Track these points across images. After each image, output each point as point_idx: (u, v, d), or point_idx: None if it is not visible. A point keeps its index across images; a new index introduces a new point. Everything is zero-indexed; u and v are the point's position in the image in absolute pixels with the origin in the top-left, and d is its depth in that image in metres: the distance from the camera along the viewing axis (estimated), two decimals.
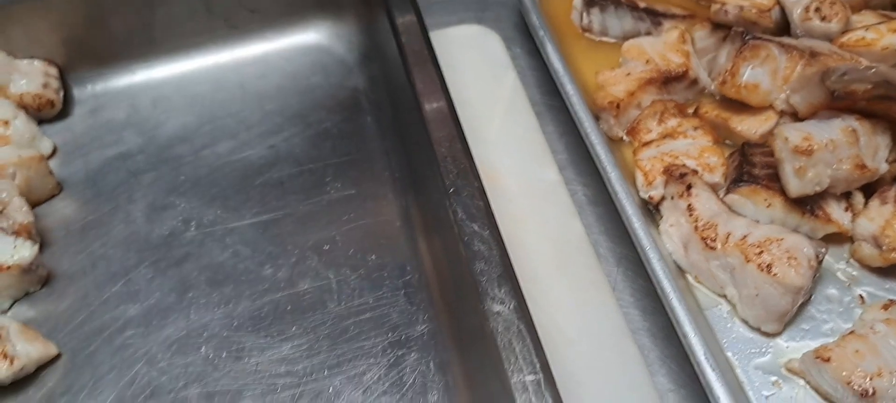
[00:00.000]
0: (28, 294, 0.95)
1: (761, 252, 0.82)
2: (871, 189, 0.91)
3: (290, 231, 0.98)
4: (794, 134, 0.86)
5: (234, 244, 0.97)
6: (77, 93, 1.19)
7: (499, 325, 0.66)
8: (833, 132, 0.87)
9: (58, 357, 0.88)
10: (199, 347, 0.87)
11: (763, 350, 0.82)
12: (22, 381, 0.85)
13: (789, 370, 0.80)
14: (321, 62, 1.19)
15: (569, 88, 1.01)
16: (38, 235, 1.00)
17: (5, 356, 0.84)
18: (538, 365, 0.63)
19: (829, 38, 1.02)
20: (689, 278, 0.89)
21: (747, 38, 0.98)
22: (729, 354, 0.82)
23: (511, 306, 0.67)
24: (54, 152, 1.13)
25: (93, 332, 0.90)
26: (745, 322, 0.84)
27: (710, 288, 0.87)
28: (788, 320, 0.84)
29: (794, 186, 0.86)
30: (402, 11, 0.97)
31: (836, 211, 0.89)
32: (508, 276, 0.70)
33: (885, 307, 0.80)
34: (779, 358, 0.81)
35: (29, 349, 0.85)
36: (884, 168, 0.90)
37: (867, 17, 1.07)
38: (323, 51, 1.21)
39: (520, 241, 0.93)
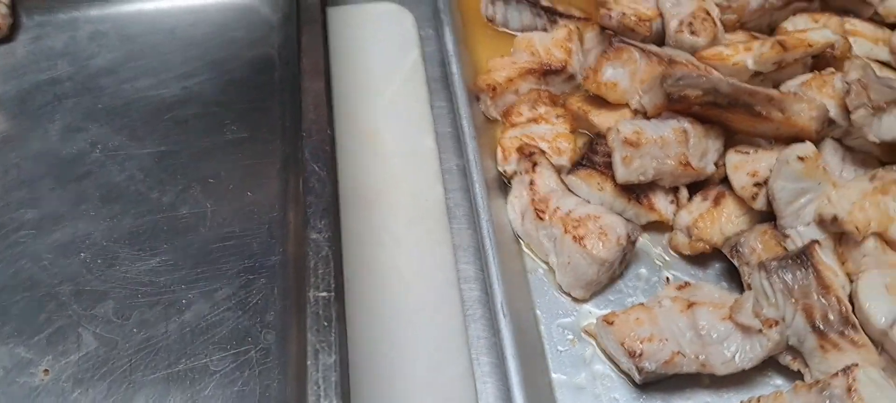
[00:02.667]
0: None
1: (578, 225, 0.92)
2: (700, 187, 1.01)
3: (183, 163, 1.08)
4: (626, 127, 0.96)
5: (132, 169, 1.08)
6: (25, 21, 1.31)
7: (311, 250, 0.77)
8: (665, 131, 0.97)
9: None
10: (80, 252, 0.98)
11: (569, 312, 0.92)
12: None
13: (585, 331, 0.90)
14: (247, 18, 1.29)
15: (454, 68, 1.11)
16: None
17: None
18: (333, 286, 0.74)
19: (696, 51, 1.12)
20: (523, 245, 0.99)
21: (614, 40, 1.08)
22: (538, 311, 0.92)
23: (326, 236, 0.78)
24: None
25: None
26: (559, 286, 0.94)
27: (538, 254, 0.97)
28: (597, 290, 0.94)
29: (621, 173, 0.96)
30: None
31: (662, 202, 0.99)
32: (332, 212, 0.80)
33: (680, 287, 0.90)
34: (581, 321, 0.92)
35: None
36: (711, 169, 0.99)
37: (738, 37, 1.16)
38: (251, 9, 1.31)
39: (384, 195, 1.04)
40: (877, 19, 1.17)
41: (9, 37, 1.29)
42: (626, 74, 1.06)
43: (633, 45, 1.08)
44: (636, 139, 0.95)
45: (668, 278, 0.95)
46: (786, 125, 0.95)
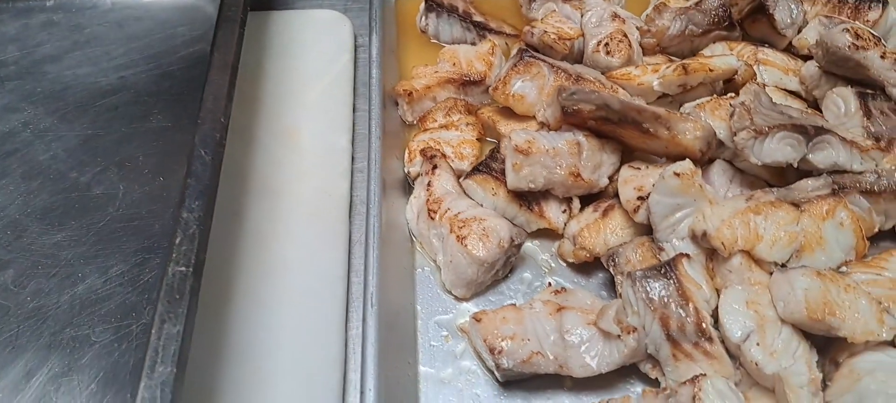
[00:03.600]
0: None
1: (463, 226, 0.95)
2: (596, 199, 1.03)
3: (105, 146, 1.13)
4: (519, 136, 0.99)
5: (56, 149, 1.12)
6: None
7: (180, 227, 0.80)
8: (559, 142, 1.00)
9: None
10: None
11: (448, 309, 0.95)
12: None
13: (460, 329, 0.93)
14: (190, 16, 1.34)
15: (374, 73, 1.15)
16: None
17: None
18: (193, 263, 0.77)
19: (609, 71, 1.15)
20: (416, 243, 1.02)
21: (525, 55, 1.11)
22: (418, 306, 0.95)
23: (196, 216, 0.81)
24: None
25: None
26: (443, 284, 0.97)
27: (428, 253, 1.00)
28: (479, 290, 0.97)
29: (511, 179, 0.99)
30: None
31: (553, 211, 1.01)
32: (207, 195, 0.84)
33: (556, 292, 0.93)
34: (459, 319, 0.94)
35: None
36: (604, 182, 1.02)
37: (655, 60, 1.19)
38: (196, 8, 1.36)
39: (291, 189, 1.07)
40: (791, 50, 1.19)
41: None
42: (534, 88, 1.10)
43: (543, 59, 1.11)
44: (527, 148, 0.97)
45: (549, 283, 0.97)
46: (672, 143, 0.97)
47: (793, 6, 1.19)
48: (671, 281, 0.85)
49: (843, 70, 1.08)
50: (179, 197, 0.83)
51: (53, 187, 1.07)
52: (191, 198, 0.83)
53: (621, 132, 1.00)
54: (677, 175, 0.90)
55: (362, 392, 0.78)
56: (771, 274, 0.87)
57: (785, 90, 1.13)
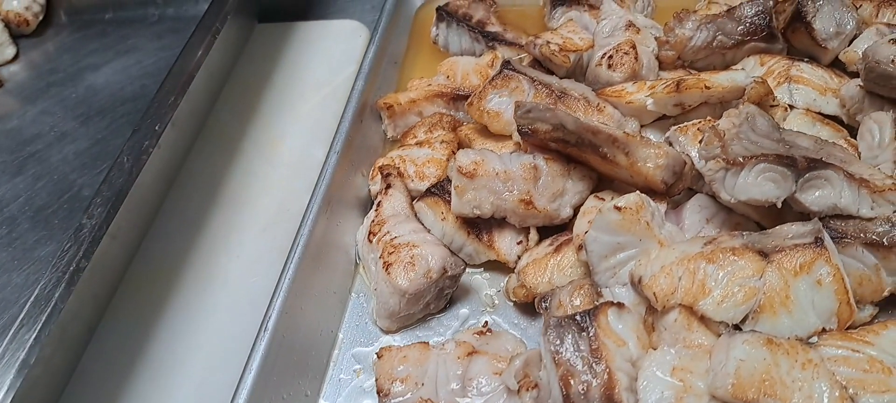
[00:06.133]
0: None
1: (393, 252, 0.87)
2: (558, 232, 0.92)
3: (111, 151, 1.18)
4: (465, 156, 0.90)
5: (68, 152, 1.20)
6: (55, 20, 1.50)
7: (72, 233, 0.81)
8: (512, 165, 0.90)
9: None
10: None
11: (371, 341, 0.88)
12: None
13: (374, 364, 0.85)
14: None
15: (358, 84, 1.11)
16: None
17: None
18: (69, 270, 0.77)
19: (609, 86, 1.02)
20: (361, 266, 0.96)
21: (505, 68, 1.02)
22: (340, 334, 0.89)
23: (94, 223, 0.81)
24: (16, 57, 1.43)
25: None
26: (371, 314, 0.90)
27: (369, 279, 0.94)
28: (407, 323, 0.89)
29: (454, 204, 0.90)
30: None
31: (506, 242, 0.91)
32: (115, 202, 0.84)
33: (480, 333, 0.83)
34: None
35: None
36: (566, 213, 0.90)
37: (675, 74, 1.04)
38: None
39: (256, 200, 1.06)
40: (839, 66, 0.99)
41: (41, 31, 1.48)
42: (511, 104, 0.99)
43: (523, 73, 1.00)
44: (473, 170, 0.88)
45: (486, 322, 0.87)
46: (633, 171, 0.84)
47: (841, 13, 0.98)
48: (586, 334, 0.72)
49: (887, 91, 0.88)
50: (87, 202, 0.83)
51: (54, 188, 1.14)
52: (96, 205, 0.83)
53: (586, 157, 0.88)
54: (619, 209, 0.77)
55: None
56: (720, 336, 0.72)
57: (819, 114, 0.94)
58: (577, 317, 0.73)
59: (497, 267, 0.93)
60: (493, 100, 1.00)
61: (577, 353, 0.71)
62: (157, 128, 0.93)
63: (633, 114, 0.97)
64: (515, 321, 0.88)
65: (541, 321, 0.87)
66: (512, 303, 0.90)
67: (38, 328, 0.71)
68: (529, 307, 0.88)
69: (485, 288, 0.91)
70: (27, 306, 0.74)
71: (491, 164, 0.89)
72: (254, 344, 0.80)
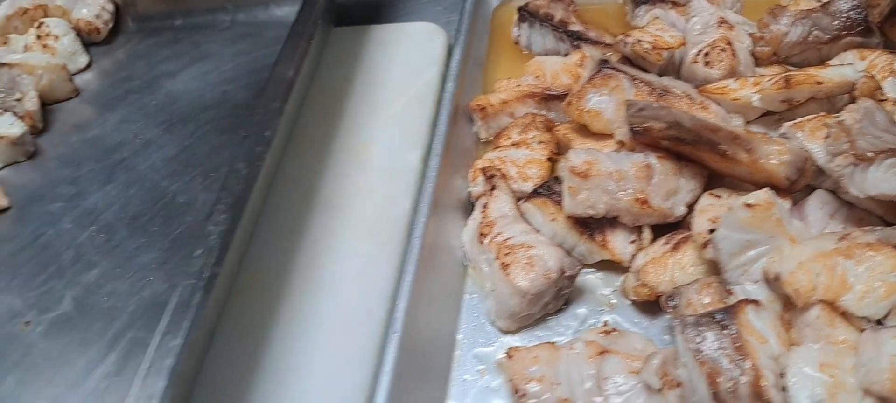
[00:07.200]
0: (17, 162, 1.25)
1: (509, 253, 0.88)
2: (671, 230, 0.92)
3: (198, 157, 1.19)
4: (577, 156, 0.90)
5: (156, 158, 1.21)
6: (126, 26, 1.51)
7: (202, 240, 0.81)
8: (624, 164, 0.90)
9: (7, 209, 1.16)
10: (91, 225, 1.11)
11: (490, 342, 0.88)
12: None
13: (498, 364, 0.86)
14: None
15: (449, 86, 1.11)
16: (42, 122, 1.30)
17: None
18: (206, 276, 0.77)
19: (709, 83, 1.02)
20: (469, 268, 0.96)
21: (605, 67, 1.02)
22: (459, 336, 0.89)
23: (220, 229, 0.82)
24: (89, 66, 1.44)
25: (37, 198, 1.18)
26: (488, 314, 0.91)
27: (479, 280, 0.94)
28: (526, 323, 0.89)
29: (567, 204, 0.90)
30: (311, 1, 1.14)
31: (620, 242, 0.91)
32: (237, 208, 0.84)
33: (606, 332, 0.83)
34: (499, 353, 0.87)
35: None
36: (680, 211, 0.90)
37: (772, 71, 1.04)
38: None
39: (353, 204, 1.06)
40: None
41: (110, 39, 1.50)
42: (612, 103, 1.00)
43: (623, 72, 1.01)
44: (585, 170, 0.89)
45: (606, 322, 0.88)
46: (754, 169, 0.84)
47: None
48: (728, 332, 0.72)
49: None
50: (209, 209, 0.84)
51: (146, 194, 1.15)
52: (219, 211, 0.84)
53: (700, 155, 0.88)
54: (749, 206, 0.77)
55: None
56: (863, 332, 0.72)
57: None
58: (717, 315, 0.74)
59: (608, 266, 0.93)
60: (592, 100, 1.01)
61: (720, 351, 0.71)
62: (267, 134, 0.93)
63: (738, 110, 0.97)
64: (635, 320, 0.88)
65: (661, 320, 0.88)
66: (628, 302, 0.90)
67: (184, 335, 0.72)
68: (648, 306, 0.88)
69: (600, 287, 0.91)
70: (168, 313, 0.74)
71: (603, 164, 0.90)
72: (385, 347, 0.81)
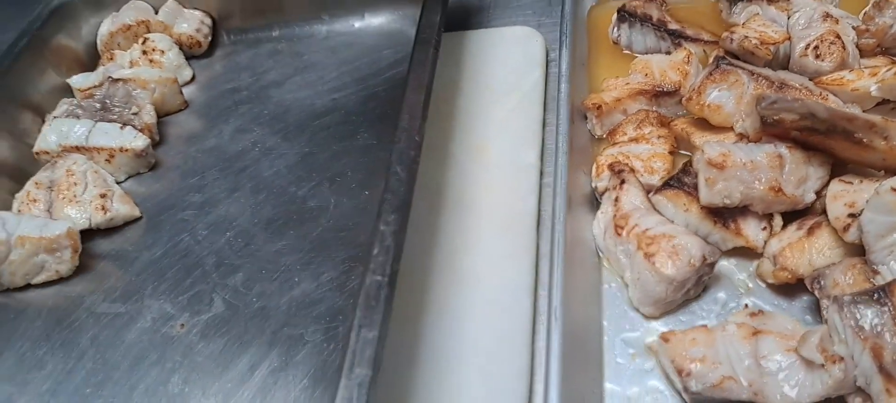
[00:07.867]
0: (139, 174, 1.31)
1: (651, 243, 0.93)
2: (800, 216, 0.97)
3: (320, 162, 1.25)
4: (712, 149, 0.95)
5: (279, 165, 1.26)
6: (222, 39, 1.57)
7: (377, 239, 0.87)
8: (757, 155, 0.95)
9: (139, 218, 1.23)
10: (227, 231, 1.17)
11: (636, 327, 0.94)
12: (113, 229, 1.21)
13: (648, 348, 0.91)
14: (394, 40, 1.45)
15: (562, 88, 1.17)
16: (158, 134, 1.36)
17: (104, 209, 1.20)
18: (388, 272, 0.83)
19: (819, 76, 1.07)
20: (603, 259, 1.02)
21: (722, 62, 1.07)
22: (605, 322, 0.95)
23: (392, 229, 0.87)
24: (193, 79, 1.51)
25: (167, 207, 1.24)
26: (631, 302, 0.96)
27: (615, 270, 0.99)
28: (669, 309, 0.94)
29: (704, 195, 0.95)
30: (432, 9, 1.19)
31: (751, 228, 0.96)
32: (402, 208, 0.90)
33: (752, 314, 0.88)
34: (646, 337, 0.92)
35: (121, 208, 1.21)
36: (809, 198, 0.95)
37: (876, 62, 1.09)
38: (400, 32, 1.46)
39: (480, 202, 1.12)
40: None
41: (209, 52, 1.55)
42: (731, 97, 1.05)
43: (742, 66, 1.06)
44: (722, 161, 0.94)
45: (746, 305, 0.93)
46: (890, 155, 0.89)
47: None
48: (886, 308, 0.77)
49: None
50: (377, 210, 0.90)
51: (276, 200, 1.20)
52: (387, 213, 0.89)
53: (830, 143, 0.93)
54: (895, 190, 0.82)
55: None
56: None
57: None
58: (874, 294, 0.78)
59: (739, 252, 0.98)
60: (712, 94, 1.06)
61: (882, 326, 0.76)
62: (416, 138, 0.98)
63: (855, 101, 1.02)
64: (774, 302, 0.93)
65: (799, 301, 0.93)
66: (764, 286, 0.95)
67: (378, 326, 0.77)
68: (783, 288, 0.93)
69: (735, 273, 0.96)
70: (360, 308, 0.80)
71: (737, 155, 0.95)
72: (548, 336, 0.86)
